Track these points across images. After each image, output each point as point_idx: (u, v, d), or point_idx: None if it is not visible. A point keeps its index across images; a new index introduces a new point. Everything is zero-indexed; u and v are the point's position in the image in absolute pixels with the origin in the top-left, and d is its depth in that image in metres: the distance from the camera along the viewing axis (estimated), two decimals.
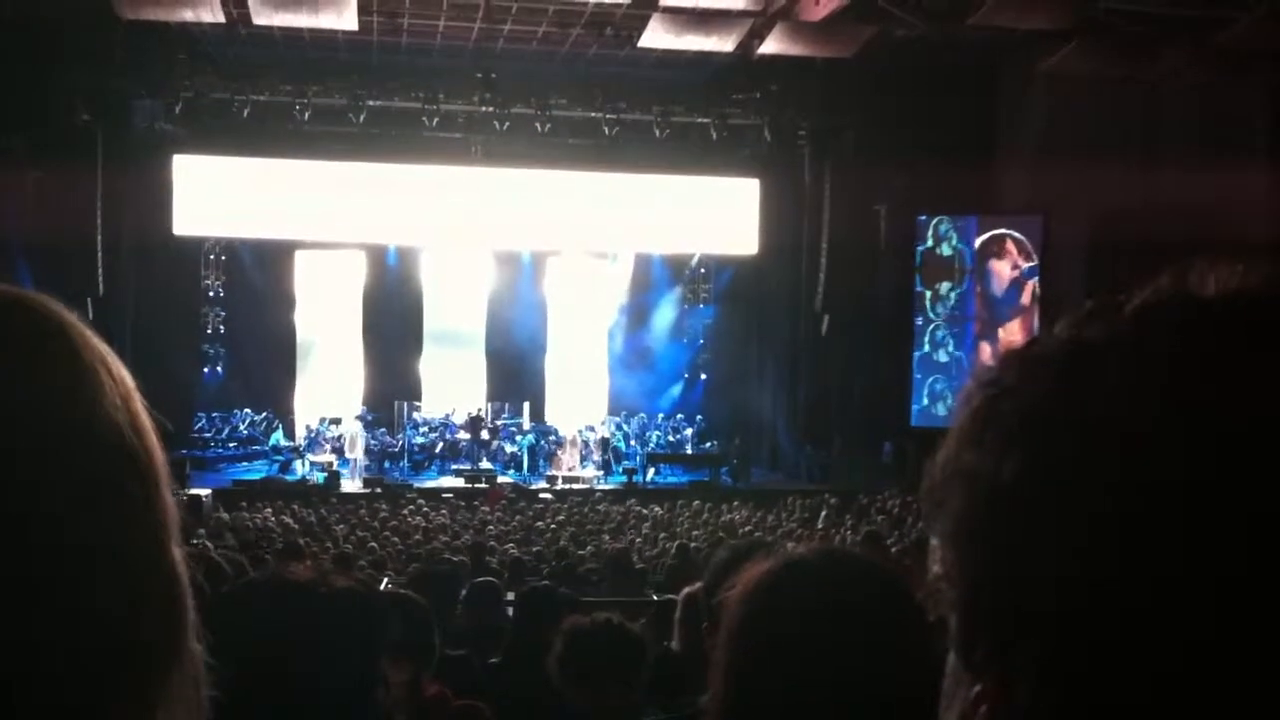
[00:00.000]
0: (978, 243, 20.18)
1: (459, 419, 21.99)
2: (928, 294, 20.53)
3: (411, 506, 15.87)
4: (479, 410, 22.16)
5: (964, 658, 0.60)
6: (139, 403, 0.63)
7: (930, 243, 20.53)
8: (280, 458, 20.72)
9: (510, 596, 6.09)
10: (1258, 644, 0.48)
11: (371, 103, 20.15)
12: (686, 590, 3.83)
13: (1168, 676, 0.50)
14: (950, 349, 20.40)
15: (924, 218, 20.34)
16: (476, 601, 5.76)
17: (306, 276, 23.12)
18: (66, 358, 0.60)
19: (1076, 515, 0.52)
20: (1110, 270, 14.84)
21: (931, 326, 20.51)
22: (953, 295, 20.44)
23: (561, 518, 15.16)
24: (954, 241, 20.46)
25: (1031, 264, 19.75)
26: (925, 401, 20.35)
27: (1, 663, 0.54)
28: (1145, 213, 14.00)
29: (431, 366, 23.57)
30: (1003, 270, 20.00)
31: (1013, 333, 19.51)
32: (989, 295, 20.15)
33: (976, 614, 0.58)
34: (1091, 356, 0.55)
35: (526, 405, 23.28)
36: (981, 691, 0.59)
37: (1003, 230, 19.95)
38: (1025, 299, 19.77)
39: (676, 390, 24.51)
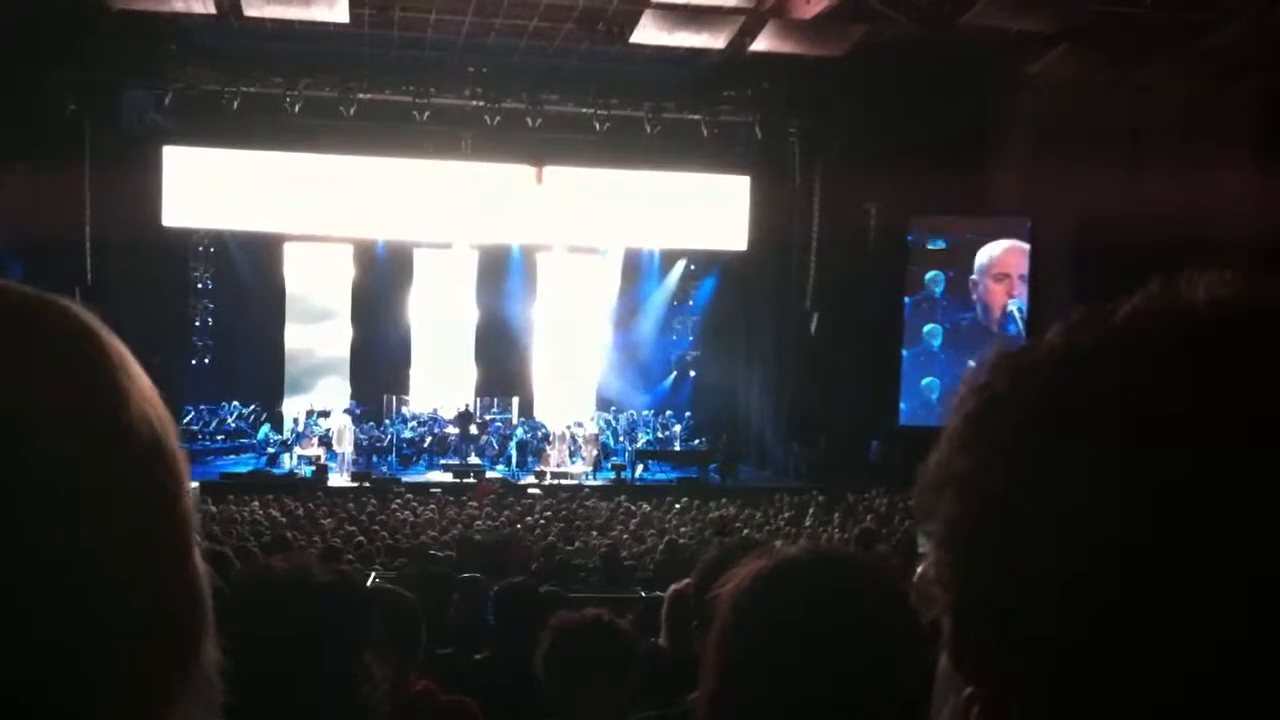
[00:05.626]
0: (984, 255, 20.16)
1: (447, 413, 21.95)
2: (916, 294, 20.57)
3: (399, 501, 15.84)
4: (467, 405, 22.13)
5: (955, 661, 0.60)
6: (159, 399, 0.63)
7: (919, 243, 20.57)
8: (269, 451, 20.66)
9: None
10: (1259, 661, 0.48)
11: (362, 96, 20.08)
12: (674, 588, 3.84)
13: (1162, 693, 0.50)
14: (938, 349, 20.45)
15: (913, 218, 20.37)
16: (463, 597, 5.77)
17: (295, 269, 23.05)
18: (95, 356, 0.60)
19: (1064, 525, 0.52)
20: (1097, 273, 14.88)
21: (919, 326, 20.55)
22: (941, 296, 20.48)
23: (549, 513, 15.15)
24: (942, 243, 20.51)
25: (1026, 283, 19.81)
26: (913, 401, 20.39)
27: (28, 664, 0.54)
28: (1132, 217, 14.05)
29: (420, 360, 23.53)
30: (999, 292, 20.07)
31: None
32: (985, 315, 20.20)
33: (967, 619, 0.58)
34: (1081, 364, 0.55)
35: (515, 400, 23.27)
36: (972, 695, 0.59)
37: (1011, 243, 19.91)
38: (1018, 321, 19.84)
39: (665, 387, 24.52)
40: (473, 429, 21.41)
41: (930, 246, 20.51)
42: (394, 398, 22.72)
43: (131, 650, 0.58)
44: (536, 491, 18.27)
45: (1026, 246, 19.85)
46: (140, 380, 0.62)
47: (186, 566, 0.62)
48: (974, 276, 20.25)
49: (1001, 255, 20.08)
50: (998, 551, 0.55)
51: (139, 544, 0.58)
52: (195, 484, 16.14)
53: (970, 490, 0.57)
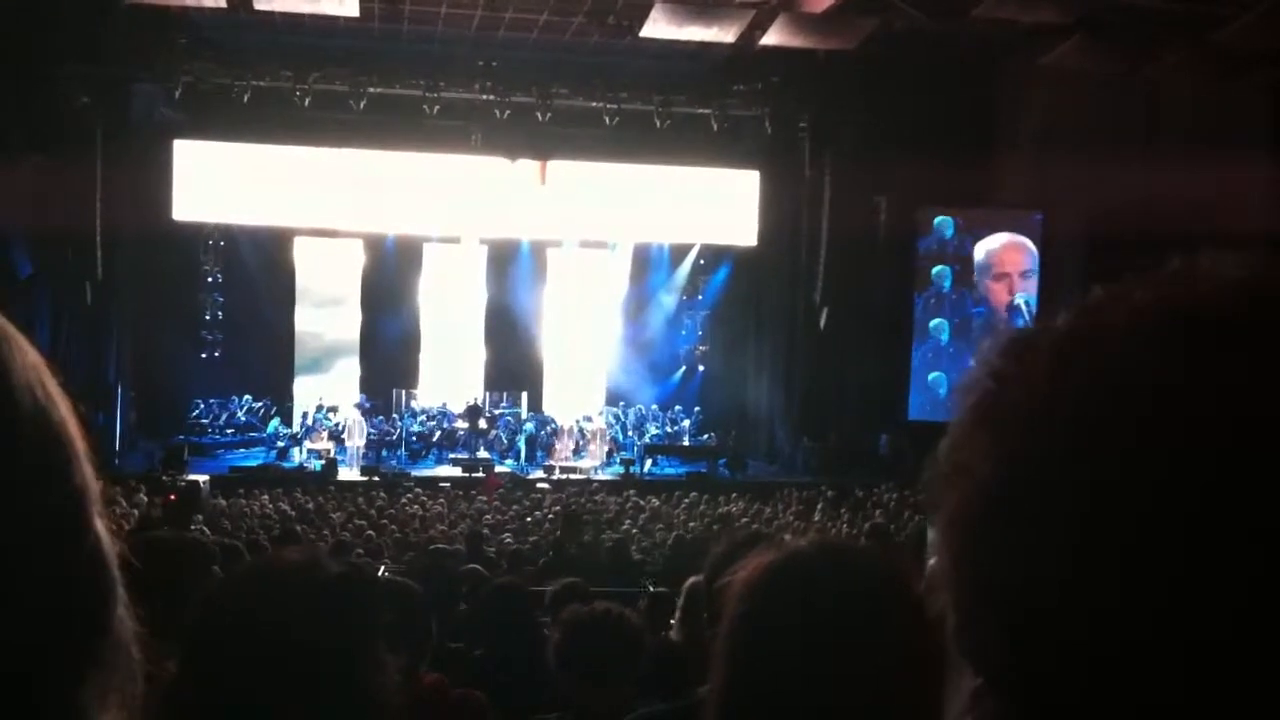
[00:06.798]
0: (981, 253, 20.08)
1: (457, 408, 21.97)
2: (927, 288, 20.51)
3: (409, 495, 15.87)
4: (476, 399, 22.16)
5: (959, 654, 0.60)
6: (47, 373, 0.64)
7: (929, 237, 20.51)
8: (278, 445, 20.71)
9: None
10: (1257, 658, 0.47)
11: (372, 90, 20.08)
12: (691, 581, 3.84)
13: (1161, 692, 0.49)
14: (945, 344, 20.40)
15: (923, 211, 20.31)
16: (471, 592, 5.78)
17: (305, 264, 23.09)
18: None
19: (1062, 522, 0.52)
20: (1108, 267, 14.80)
21: (930, 321, 20.50)
22: (951, 290, 20.43)
23: (558, 508, 15.15)
24: (953, 236, 20.45)
25: (1030, 278, 19.70)
26: (923, 395, 20.35)
27: None
28: (1144, 209, 13.98)
29: (429, 355, 23.55)
30: (1000, 290, 19.99)
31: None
32: (989, 311, 20.13)
33: (969, 612, 0.58)
34: (1081, 358, 0.55)
35: (524, 395, 23.28)
36: (977, 689, 0.59)
37: (1008, 239, 19.80)
38: (1025, 315, 19.74)
39: (674, 381, 24.50)
40: (482, 423, 21.43)
41: (939, 240, 20.45)
42: (403, 392, 22.76)
43: (28, 622, 0.57)
44: (545, 486, 18.29)
45: (1025, 241, 19.73)
46: (26, 352, 0.62)
47: (84, 535, 0.62)
48: (975, 276, 20.20)
49: (999, 253, 19.98)
50: (996, 546, 0.55)
51: (25, 513, 0.58)
52: (205, 478, 16.33)
53: (970, 480, 0.57)
